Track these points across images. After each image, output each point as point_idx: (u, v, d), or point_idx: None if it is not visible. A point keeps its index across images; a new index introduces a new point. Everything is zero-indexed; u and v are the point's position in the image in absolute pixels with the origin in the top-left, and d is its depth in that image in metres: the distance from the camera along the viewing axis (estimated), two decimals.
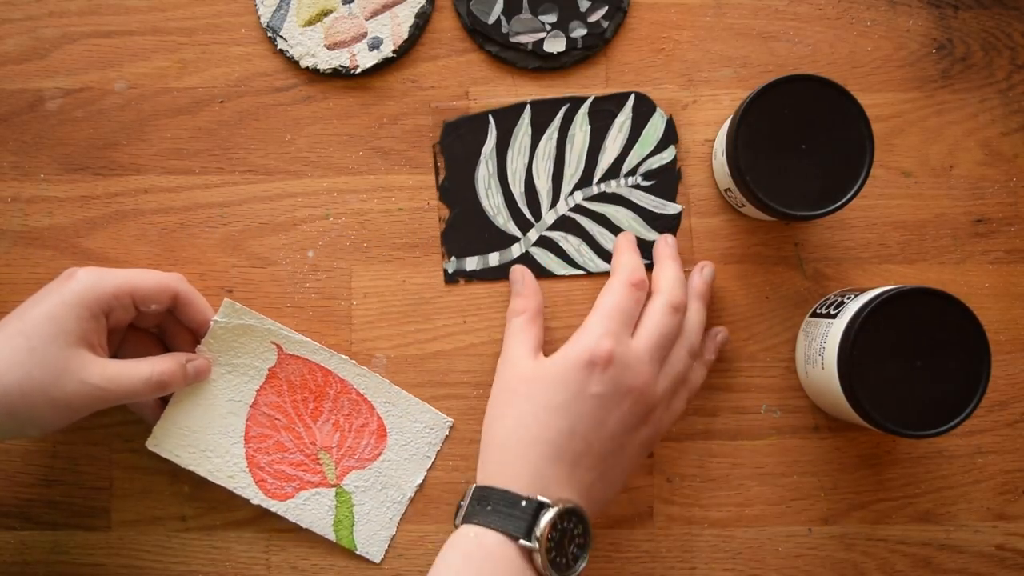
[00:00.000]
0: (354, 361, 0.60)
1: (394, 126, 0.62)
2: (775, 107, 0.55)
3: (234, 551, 0.61)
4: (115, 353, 0.57)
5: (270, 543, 0.61)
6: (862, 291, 0.56)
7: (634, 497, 0.61)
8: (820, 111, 0.55)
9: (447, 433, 0.61)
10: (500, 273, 0.62)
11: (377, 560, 0.60)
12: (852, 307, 0.55)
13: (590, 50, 0.62)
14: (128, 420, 0.61)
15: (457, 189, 0.62)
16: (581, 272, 0.62)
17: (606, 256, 0.62)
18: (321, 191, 0.62)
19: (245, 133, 0.62)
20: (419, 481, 0.61)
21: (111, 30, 0.62)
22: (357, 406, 0.60)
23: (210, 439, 0.59)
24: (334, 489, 0.60)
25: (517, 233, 0.62)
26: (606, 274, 0.62)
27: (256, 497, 0.59)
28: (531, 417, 0.52)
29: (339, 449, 0.60)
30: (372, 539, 0.60)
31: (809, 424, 0.62)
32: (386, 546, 0.60)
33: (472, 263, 0.62)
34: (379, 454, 0.60)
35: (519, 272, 0.60)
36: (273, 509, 0.59)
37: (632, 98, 0.62)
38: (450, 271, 0.62)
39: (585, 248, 0.62)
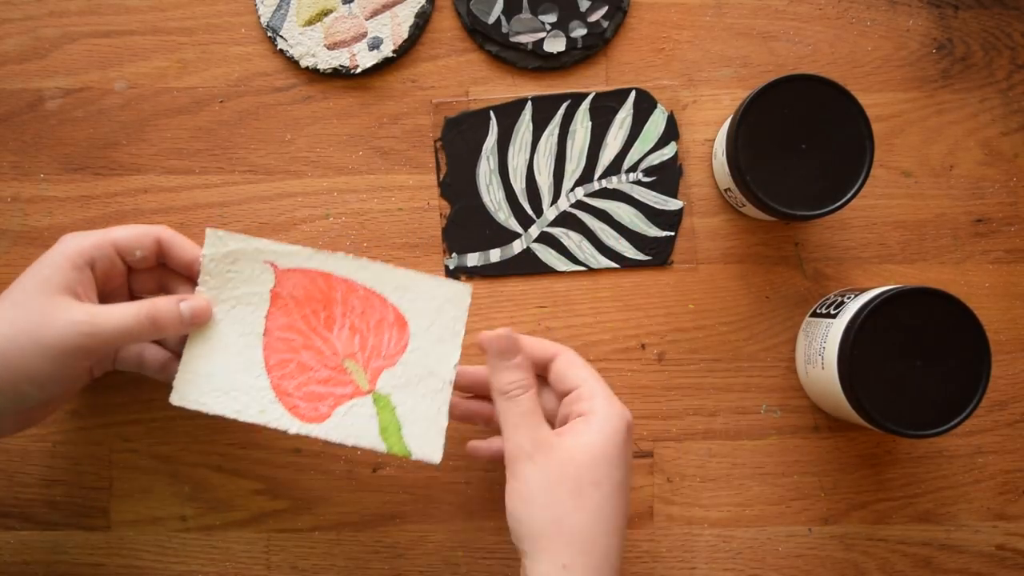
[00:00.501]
0: (351, 255, 0.56)
1: (394, 126, 0.63)
2: (775, 107, 0.55)
3: (234, 551, 0.61)
4: None
5: (270, 543, 0.61)
6: (862, 291, 0.56)
7: (634, 497, 0.61)
8: (820, 111, 0.55)
9: (469, 301, 0.55)
10: (501, 269, 0.62)
11: (437, 460, 0.54)
12: (852, 307, 0.55)
13: (590, 50, 0.62)
14: (128, 420, 0.61)
15: (458, 185, 0.62)
16: (582, 268, 0.62)
17: (607, 252, 0.62)
18: (321, 191, 0.62)
19: (245, 133, 0.62)
20: (455, 361, 0.56)
21: (111, 30, 0.62)
22: (368, 302, 0.56)
23: (232, 379, 0.55)
24: (370, 396, 0.55)
25: (518, 229, 0.62)
26: (607, 270, 0.62)
27: (293, 426, 0.55)
28: (606, 503, 0.49)
29: (363, 353, 0.56)
30: (424, 438, 0.55)
31: (809, 424, 0.62)
32: (442, 442, 0.54)
33: (473, 259, 0.62)
34: (405, 345, 0.56)
35: (506, 341, 0.53)
36: (313, 434, 0.55)
37: (633, 94, 0.62)
38: (451, 267, 0.62)
39: (586, 244, 0.62)
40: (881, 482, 0.62)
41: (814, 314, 0.60)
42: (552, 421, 0.54)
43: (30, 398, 0.51)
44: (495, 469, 0.61)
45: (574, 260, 0.62)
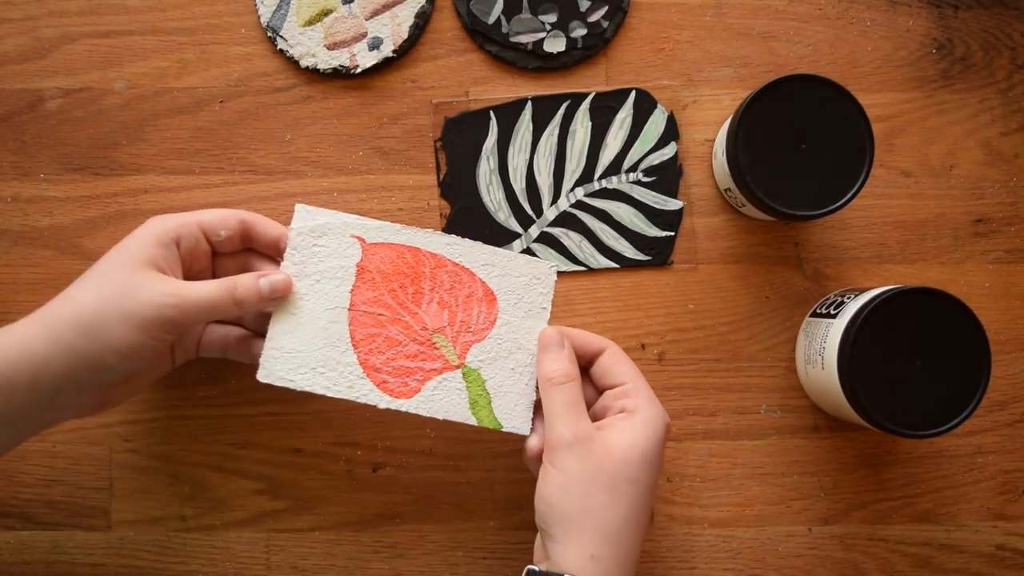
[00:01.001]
0: (439, 232, 0.57)
1: (394, 126, 0.63)
2: (775, 107, 0.55)
3: (234, 551, 0.61)
4: None
5: (270, 543, 0.61)
6: (862, 291, 0.56)
7: None
8: (820, 111, 0.55)
9: (555, 279, 0.57)
10: None
11: (527, 431, 0.55)
12: (852, 307, 0.55)
13: (590, 50, 0.62)
14: (128, 420, 0.61)
15: (458, 185, 0.62)
16: (582, 268, 0.62)
17: (607, 252, 0.62)
18: (321, 191, 0.62)
19: (245, 133, 0.62)
20: None
21: (111, 30, 0.62)
22: (457, 277, 0.56)
23: (318, 355, 0.55)
24: (460, 370, 0.56)
25: (518, 229, 0.62)
26: (607, 270, 0.62)
27: (382, 401, 0.55)
28: (638, 501, 0.51)
29: (452, 327, 0.56)
30: (514, 412, 0.56)
31: (809, 424, 0.62)
32: (531, 415, 0.56)
33: None
34: (494, 320, 0.57)
35: (556, 334, 0.55)
36: (404, 408, 0.55)
37: (633, 94, 0.62)
38: None
39: (586, 244, 0.62)
40: (881, 482, 0.62)
41: (814, 314, 0.60)
42: (589, 412, 0.54)
43: (112, 371, 0.51)
44: (495, 469, 0.61)
45: (574, 260, 0.62)
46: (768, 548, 0.61)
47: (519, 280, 0.57)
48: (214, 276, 0.56)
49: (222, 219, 0.55)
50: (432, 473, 0.61)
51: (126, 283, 0.50)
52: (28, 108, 0.62)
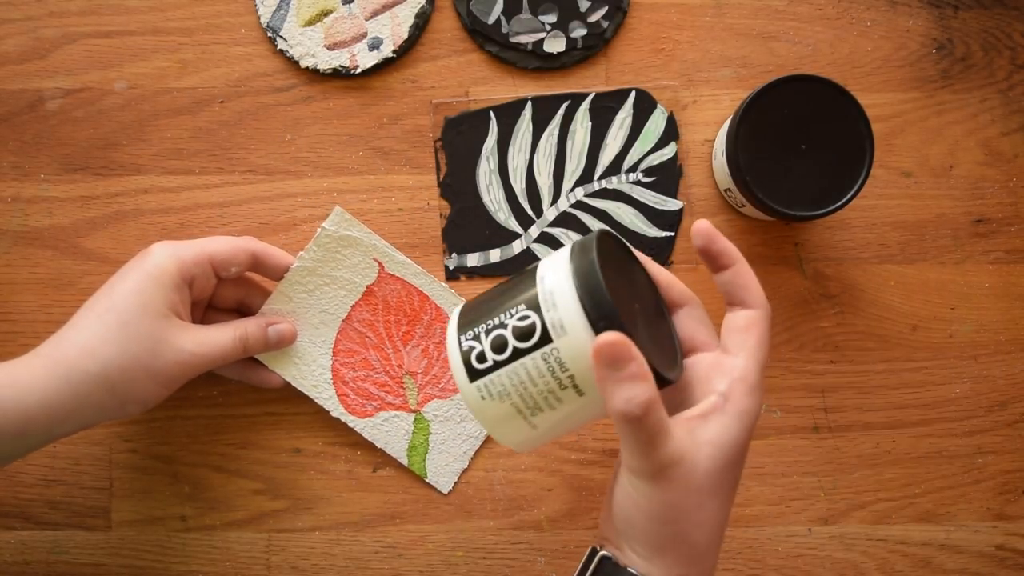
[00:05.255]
0: (453, 290, 0.61)
1: (394, 126, 0.63)
2: (775, 107, 0.55)
3: (234, 551, 0.61)
4: None
5: (270, 543, 0.61)
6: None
7: None
8: (820, 111, 0.55)
9: None
10: (501, 269, 0.62)
11: (445, 491, 0.61)
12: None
13: (590, 50, 0.62)
14: (128, 420, 0.61)
15: (458, 185, 0.62)
16: None
17: None
18: (321, 191, 0.62)
19: (245, 133, 0.62)
20: None
21: (111, 30, 0.62)
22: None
23: (299, 346, 0.59)
24: (414, 415, 0.60)
25: (518, 229, 0.62)
26: None
27: (336, 410, 0.60)
28: (724, 510, 0.45)
29: (424, 376, 0.61)
30: (443, 470, 0.61)
31: (809, 424, 0.62)
32: (456, 479, 0.61)
33: (473, 259, 0.62)
34: None
35: (618, 346, 0.40)
36: (351, 424, 0.60)
37: (633, 95, 0.62)
38: (451, 267, 0.62)
39: None
40: (881, 482, 0.62)
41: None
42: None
43: (130, 415, 0.53)
44: (495, 469, 0.61)
45: None
46: (768, 548, 0.61)
47: None
48: (213, 300, 0.58)
49: (233, 254, 0.55)
50: None
51: (151, 339, 0.51)
52: (28, 108, 0.62)
